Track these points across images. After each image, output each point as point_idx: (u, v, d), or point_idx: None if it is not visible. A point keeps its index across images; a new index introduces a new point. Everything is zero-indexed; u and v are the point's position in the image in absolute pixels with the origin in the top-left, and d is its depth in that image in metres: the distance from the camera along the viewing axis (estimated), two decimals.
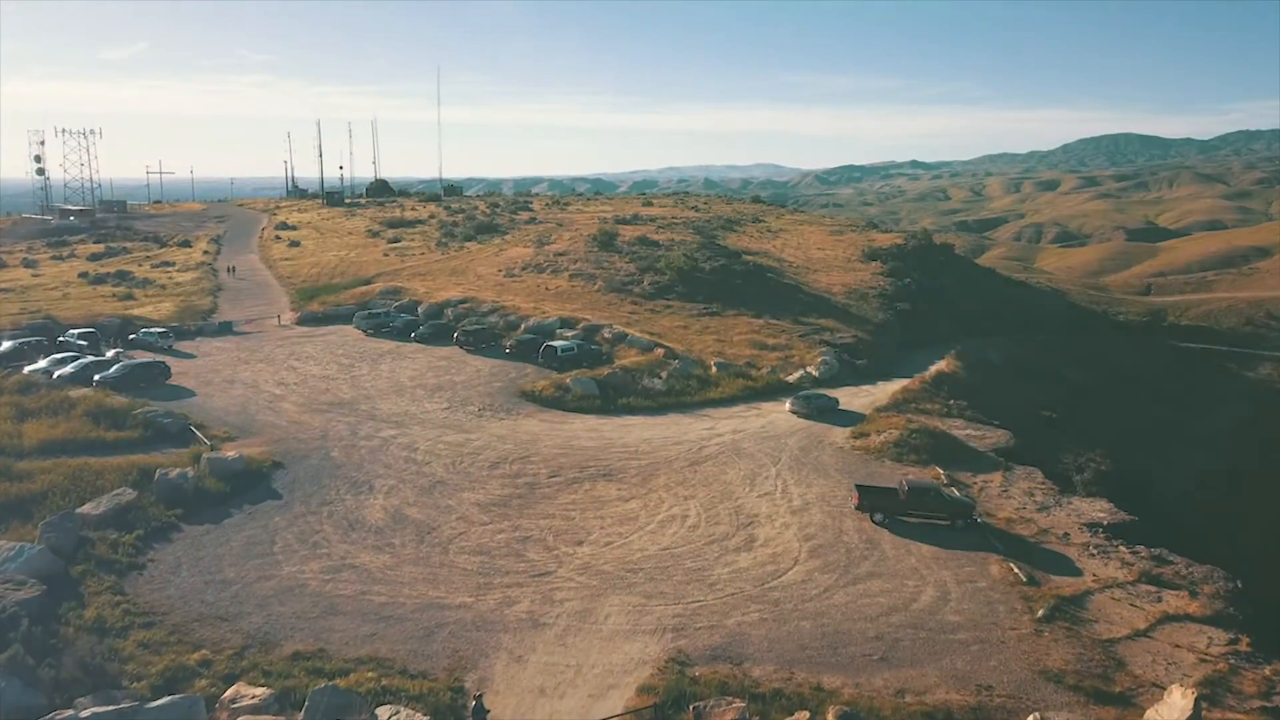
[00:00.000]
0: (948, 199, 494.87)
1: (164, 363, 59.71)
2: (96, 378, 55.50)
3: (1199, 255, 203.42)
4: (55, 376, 56.08)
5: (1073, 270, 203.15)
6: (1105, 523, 42.43)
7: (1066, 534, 40.67)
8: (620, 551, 36.19)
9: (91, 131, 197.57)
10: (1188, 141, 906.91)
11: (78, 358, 60.10)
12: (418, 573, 33.72)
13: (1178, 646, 30.84)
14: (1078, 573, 36.40)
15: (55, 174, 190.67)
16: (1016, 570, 35.46)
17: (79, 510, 35.84)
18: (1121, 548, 39.47)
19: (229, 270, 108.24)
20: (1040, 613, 32.19)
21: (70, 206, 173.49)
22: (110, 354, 62.91)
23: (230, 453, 43.15)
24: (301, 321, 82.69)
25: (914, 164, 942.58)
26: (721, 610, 31.43)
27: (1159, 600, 34.30)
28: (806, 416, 56.63)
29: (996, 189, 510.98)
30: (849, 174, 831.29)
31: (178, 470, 39.91)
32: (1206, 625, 32.50)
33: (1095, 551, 38.82)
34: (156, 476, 39.27)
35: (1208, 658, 30.17)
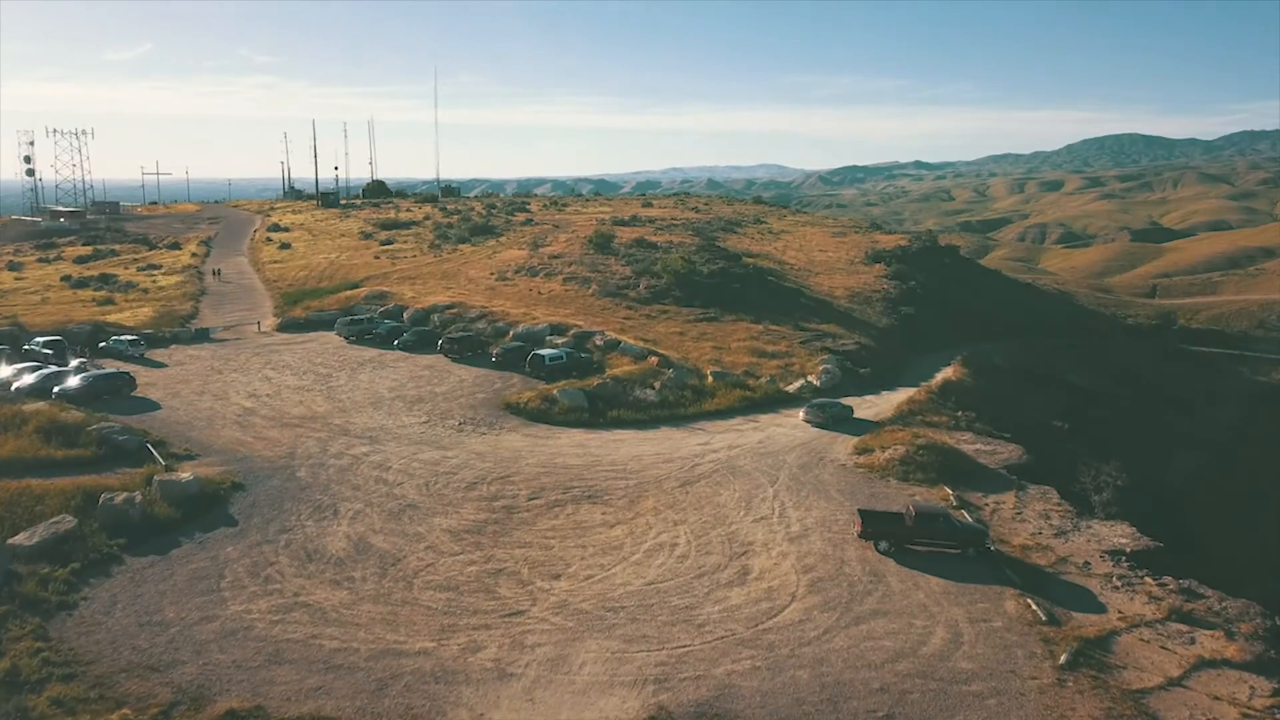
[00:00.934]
0: (951, 199, 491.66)
1: (128, 373, 56.54)
2: (56, 389, 52.44)
3: (1204, 256, 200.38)
4: (14, 388, 53.06)
5: (1077, 271, 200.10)
6: (1128, 549, 39.30)
7: (1087, 563, 37.57)
8: (601, 586, 33.09)
9: (84, 132, 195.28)
10: (1192, 142, 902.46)
11: (40, 367, 57.12)
12: (376, 612, 30.65)
13: (1217, 698, 27.72)
14: (1101, 609, 33.27)
15: (48, 175, 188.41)
16: (1035, 607, 32.33)
17: (10, 541, 32.75)
18: (1147, 579, 36.34)
19: (214, 273, 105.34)
20: (1063, 658, 29.08)
21: (60, 208, 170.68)
22: (74, 363, 59.85)
23: (185, 474, 40.05)
24: (283, 328, 79.62)
25: (918, 164, 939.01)
26: (710, 657, 28.32)
27: (1192, 642, 31.17)
28: (821, 425, 53.95)
29: (1000, 189, 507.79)
30: (853, 174, 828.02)
31: (124, 495, 36.79)
32: (1246, 672, 29.38)
33: (1119, 583, 35.70)
34: (101, 502, 36.21)
35: (1251, 712, 27.05)
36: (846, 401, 57.92)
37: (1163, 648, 30.62)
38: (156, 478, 39.07)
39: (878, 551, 36.51)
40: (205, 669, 26.80)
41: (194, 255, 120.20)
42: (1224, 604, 34.81)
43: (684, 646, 28.93)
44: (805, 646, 29.19)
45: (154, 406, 53.38)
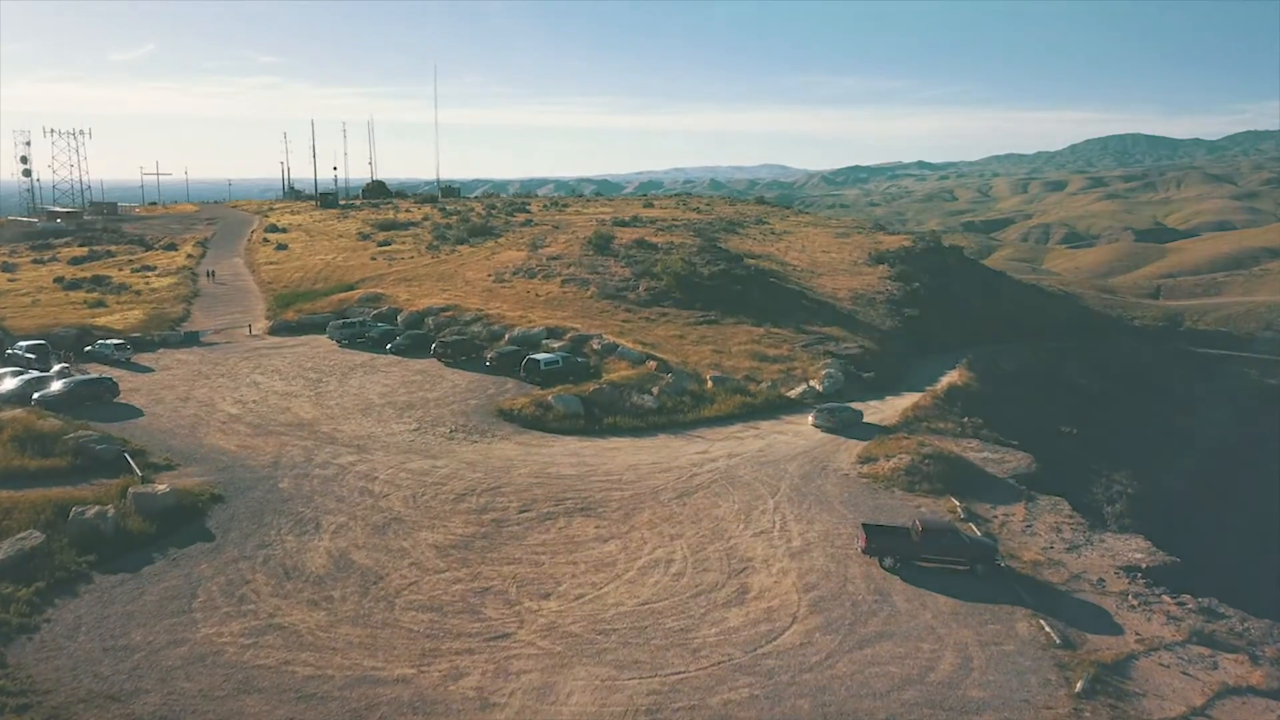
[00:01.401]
0: (954, 199, 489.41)
1: (110, 379, 54.92)
2: (35, 396, 50.94)
3: (1208, 256, 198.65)
4: None
5: (1081, 271, 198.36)
6: (1144, 565, 37.73)
7: (1101, 579, 35.98)
8: (592, 607, 31.52)
9: (81, 132, 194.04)
10: (1196, 142, 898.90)
11: (22, 372, 55.66)
12: (355, 635, 29.08)
13: None
14: (1118, 630, 31.70)
15: (45, 175, 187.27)
16: (1048, 629, 30.74)
17: None
18: (1165, 597, 34.78)
19: (208, 275, 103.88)
20: (1079, 685, 27.49)
21: (57, 208, 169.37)
22: (56, 369, 58.35)
23: (161, 486, 38.47)
24: (274, 331, 78.10)
25: (920, 164, 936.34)
26: (705, 685, 26.74)
27: (1215, 667, 29.59)
28: (830, 430, 52.59)
29: (1004, 189, 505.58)
30: (855, 174, 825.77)
31: (97, 508, 35.26)
32: (1274, 700, 27.82)
33: (1136, 602, 34.12)
34: (71, 515, 34.69)
35: None
36: (854, 406, 56.45)
37: (1184, 673, 29.06)
38: (131, 490, 37.50)
39: (883, 568, 34.94)
40: (169, 699, 25.26)
41: (189, 256, 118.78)
42: (1246, 624, 33.30)
43: (678, 673, 27.36)
44: (806, 673, 27.62)
45: (136, 413, 51.88)
